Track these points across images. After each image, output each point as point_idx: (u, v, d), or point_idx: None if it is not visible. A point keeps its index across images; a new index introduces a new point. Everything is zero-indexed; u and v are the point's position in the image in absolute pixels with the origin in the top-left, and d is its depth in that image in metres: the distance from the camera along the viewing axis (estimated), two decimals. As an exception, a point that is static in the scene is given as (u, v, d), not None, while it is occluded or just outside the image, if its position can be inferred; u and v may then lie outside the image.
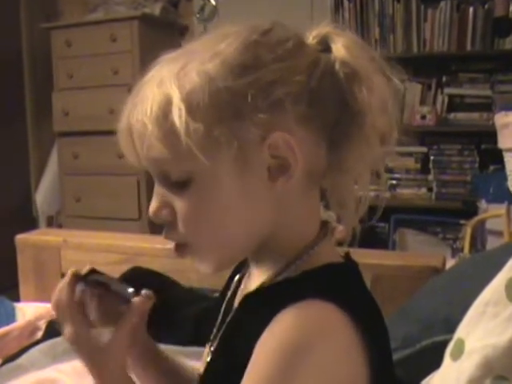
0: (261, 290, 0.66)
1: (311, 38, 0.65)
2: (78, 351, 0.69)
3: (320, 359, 0.56)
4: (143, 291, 0.71)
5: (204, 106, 0.58)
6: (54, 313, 0.71)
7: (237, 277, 0.76)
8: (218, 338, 0.71)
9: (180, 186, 0.61)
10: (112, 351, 0.68)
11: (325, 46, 0.64)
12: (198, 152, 0.58)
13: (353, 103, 0.62)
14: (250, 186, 0.61)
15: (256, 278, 0.69)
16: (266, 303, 0.61)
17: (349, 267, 0.67)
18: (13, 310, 1.62)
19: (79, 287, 0.71)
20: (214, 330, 0.74)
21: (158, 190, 0.64)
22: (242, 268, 0.76)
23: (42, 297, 1.80)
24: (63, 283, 0.71)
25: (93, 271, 0.73)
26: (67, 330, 0.68)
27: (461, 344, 0.66)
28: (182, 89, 0.59)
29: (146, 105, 0.60)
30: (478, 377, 0.62)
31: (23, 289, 1.88)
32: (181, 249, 0.65)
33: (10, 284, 2.02)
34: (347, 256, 0.69)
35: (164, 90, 0.59)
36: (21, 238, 1.88)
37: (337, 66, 0.62)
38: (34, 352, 1.27)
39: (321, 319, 0.57)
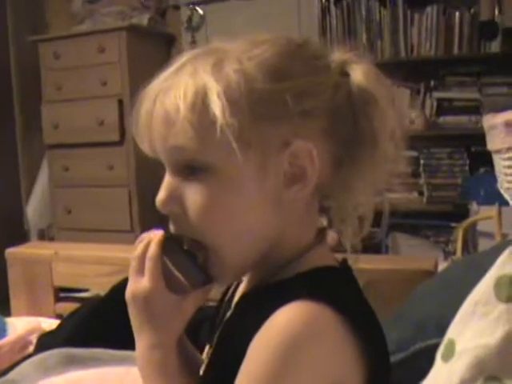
0: (255, 291, 0.67)
1: (332, 62, 0.67)
2: (142, 307, 0.67)
3: (312, 359, 0.57)
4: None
5: (241, 103, 0.59)
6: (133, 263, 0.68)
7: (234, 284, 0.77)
8: (216, 337, 0.72)
9: (199, 175, 0.62)
10: (180, 316, 0.67)
11: (343, 71, 0.66)
12: (230, 146, 0.59)
13: (366, 128, 0.65)
14: (266, 187, 0.62)
15: (251, 279, 0.70)
16: (260, 304, 0.62)
17: (342, 270, 0.68)
18: (4, 324, 1.61)
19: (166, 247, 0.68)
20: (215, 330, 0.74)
21: (169, 181, 0.65)
22: None
23: (34, 311, 1.79)
24: (154, 240, 0.68)
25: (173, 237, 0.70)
26: (143, 283, 0.67)
27: (451, 345, 0.66)
28: (221, 82, 0.60)
29: (179, 91, 0.61)
30: (470, 377, 0.62)
31: (14, 303, 1.86)
32: (196, 247, 0.65)
33: (1, 298, 2.00)
34: (344, 262, 0.70)
35: (199, 80, 0.60)
36: (11, 251, 1.87)
37: (355, 91, 0.65)
38: (25, 366, 1.26)
39: (313, 320, 0.58)
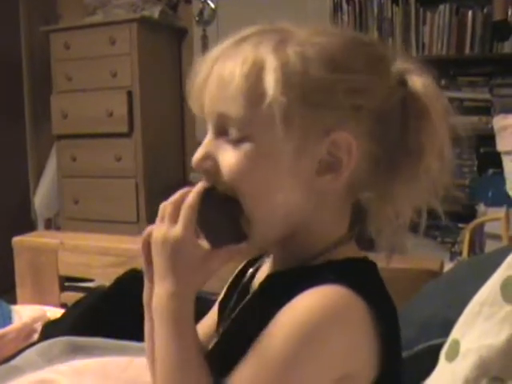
0: (283, 273, 0.68)
1: (393, 67, 0.67)
2: (170, 254, 0.65)
3: (336, 342, 0.58)
4: None
5: (294, 84, 0.61)
6: (165, 211, 0.67)
7: (251, 269, 0.78)
8: (228, 320, 0.73)
9: (239, 141, 0.64)
10: (204, 270, 0.66)
11: (402, 79, 0.66)
12: (276, 122, 0.60)
13: (413, 141, 0.65)
14: (300, 170, 0.63)
15: (277, 263, 0.72)
16: (287, 284, 0.63)
17: (371, 264, 0.70)
18: (9, 312, 1.61)
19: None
20: (223, 316, 0.76)
21: (208, 142, 0.67)
22: (256, 262, 0.78)
23: (39, 299, 1.80)
24: (194, 190, 0.67)
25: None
26: (175, 230, 0.65)
27: (456, 345, 0.66)
28: (280, 59, 0.61)
29: (239, 58, 0.63)
30: (474, 378, 0.62)
31: (20, 291, 1.87)
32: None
33: (7, 286, 2.01)
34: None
35: (261, 53, 0.62)
36: (17, 240, 1.88)
37: (410, 101, 0.65)
38: (29, 353, 1.26)
39: (341, 304, 0.59)
